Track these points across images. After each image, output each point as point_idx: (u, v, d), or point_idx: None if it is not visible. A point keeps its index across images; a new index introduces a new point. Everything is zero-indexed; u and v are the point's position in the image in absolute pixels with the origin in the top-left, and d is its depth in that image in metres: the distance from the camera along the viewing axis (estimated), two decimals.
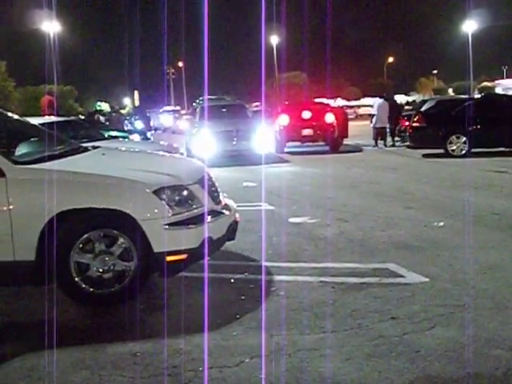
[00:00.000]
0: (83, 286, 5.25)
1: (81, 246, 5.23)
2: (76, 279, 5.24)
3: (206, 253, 5.44)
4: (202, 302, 5.40)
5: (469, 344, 4.31)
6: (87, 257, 5.25)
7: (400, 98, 47.37)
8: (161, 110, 56.64)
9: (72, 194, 5.22)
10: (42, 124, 8.92)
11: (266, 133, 18.92)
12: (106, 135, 14.27)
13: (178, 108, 63.17)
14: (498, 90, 55.65)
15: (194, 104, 23.18)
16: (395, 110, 23.30)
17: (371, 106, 28.97)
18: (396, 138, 23.13)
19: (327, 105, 26.97)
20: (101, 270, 5.25)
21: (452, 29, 71.20)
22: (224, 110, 20.42)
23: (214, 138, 17.90)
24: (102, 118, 29.28)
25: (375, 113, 23.00)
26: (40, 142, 6.58)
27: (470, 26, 60.11)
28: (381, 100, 23.34)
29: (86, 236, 5.22)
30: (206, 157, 16.21)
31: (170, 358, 4.32)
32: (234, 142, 18.16)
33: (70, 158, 5.99)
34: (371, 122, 23.63)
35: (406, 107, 26.91)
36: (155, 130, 47.01)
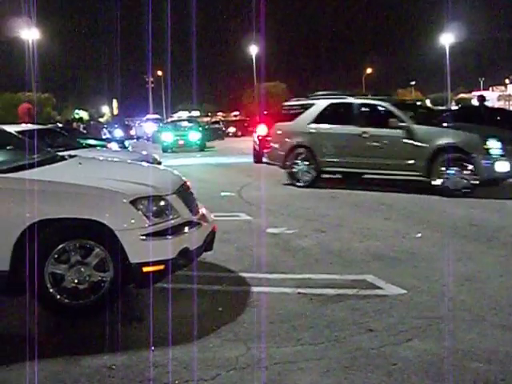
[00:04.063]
0: (58, 297, 5.16)
1: (56, 256, 5.14)
2: (51, 290, 5.15)
3: (182, 264, 5.40)
4: (178, 314, 5.35)
5: (446, 357, 4.31)
6: (62, 267, 5.16)
7: None
8: (144, 119, 56.43)
9: (48, 204, 5.13)
10: (20, 132, 8.81)
11: None
12: (84, 144, 14.13)
13: (159, 116, 62.91)
14: (475, 102, 56.26)
15: (329, 101, 14.22)
16: None
17: None
18: None
19: None
20: (76, 281, 5.16)
21: (430, 41, 72.05)
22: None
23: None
24: (80, 126, 29.07)
25: None
26: (16, 150, 6.50)
27: (447, 39, 60.97)
28: None
29: (61, 246, 5.14)
30: None
31: (145, 370, 4.26)
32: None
33: (46, 166, 5.91)
34: None
35: None
36: (137, 138, 46.48)
